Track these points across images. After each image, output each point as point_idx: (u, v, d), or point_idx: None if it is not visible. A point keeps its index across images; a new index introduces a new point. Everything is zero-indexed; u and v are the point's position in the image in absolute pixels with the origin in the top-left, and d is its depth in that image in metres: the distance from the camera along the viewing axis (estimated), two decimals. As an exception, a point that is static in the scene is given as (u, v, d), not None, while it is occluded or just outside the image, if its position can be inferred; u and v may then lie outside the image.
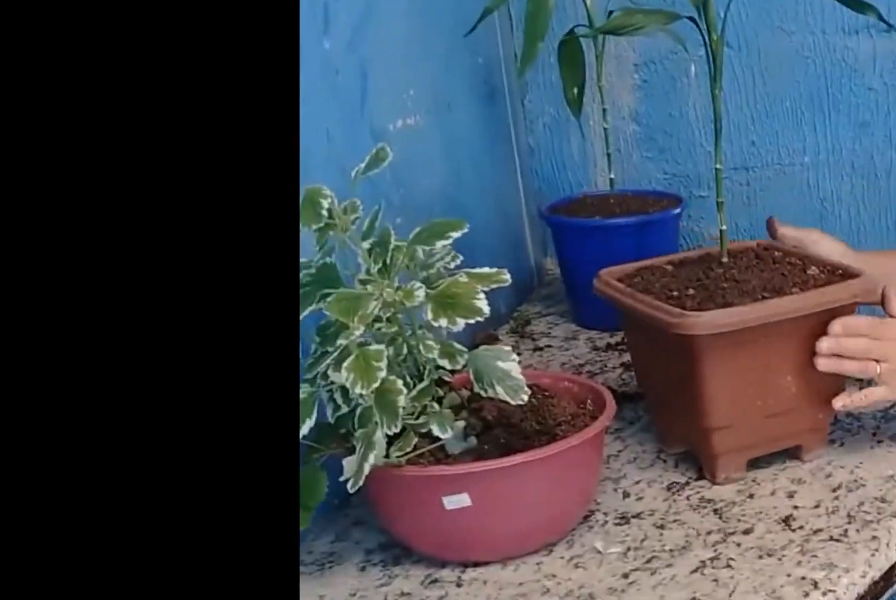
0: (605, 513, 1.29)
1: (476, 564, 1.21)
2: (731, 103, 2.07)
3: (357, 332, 1.06)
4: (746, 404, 1.30)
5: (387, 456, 1.13)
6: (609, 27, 1.31)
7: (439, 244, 1.12)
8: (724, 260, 1.37)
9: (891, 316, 1.31)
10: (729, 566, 1.16)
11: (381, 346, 1.07)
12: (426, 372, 1.16)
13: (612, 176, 1.95)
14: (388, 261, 1.11)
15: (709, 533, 1.23)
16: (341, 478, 1.10)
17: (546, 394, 1.30)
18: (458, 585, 1.18)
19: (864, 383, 1.33)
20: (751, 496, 1.29)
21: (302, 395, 1.10)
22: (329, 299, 1.08)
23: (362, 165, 1.15)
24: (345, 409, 1.14)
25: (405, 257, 1.11)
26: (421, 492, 1.15)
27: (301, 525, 1.07)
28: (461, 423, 1.19)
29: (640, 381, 1.47)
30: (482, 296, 1.09)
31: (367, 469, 1.08)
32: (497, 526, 1.17)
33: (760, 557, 1.17)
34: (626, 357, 1.68)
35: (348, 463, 1.11)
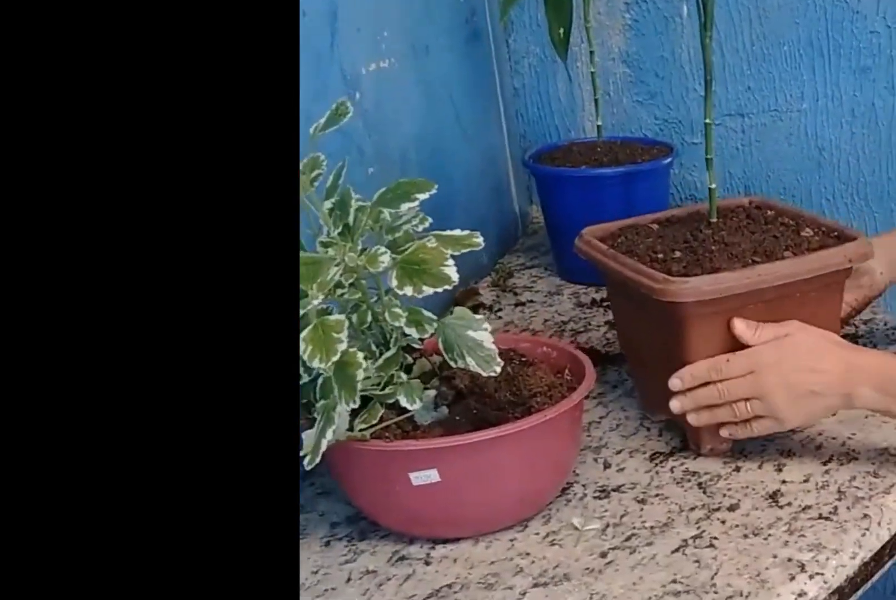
0: (584, 486, 1.22)
1: (446, 540, 1.15)
2: (726, 46, 1.99)
3: (315, 301, 0.99)
4: (731, 374, 1.22)
5: (351, 428, 1.06)
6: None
7: (405, 206, 1.04)
8: (713, 220, 1.30)
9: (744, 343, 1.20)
10: (712, 545, 1.10)
11: (342, 317, 1.00)
12: (393, 340, 1.09)
13: (600, 123, 1.87)
14: (350, 223, 1.03)
15: (692, 508, 1.16)
16: (301, 453, 1.03)
17: (523, 359, 1.23)
18: (427, 563, 1.12)
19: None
20: (737, 469, 1.23)
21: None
22: (287, 263, 1.00)
23: (321, 121, 1.07)
24: (306, 378, 1.07)
25: (369, 218, 1.04)
26: (387, 468, 1.09)
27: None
28: (431, 392, 1.13)
29: (623, 345, 1.40)
30: (451, 262, 1.01)
31: (324, 445, 1.02)
32: (468, 502, 1.11)
33: (745, 536, 1.11)
34: (612, 315, 1.60)
35: (307, 438, 1.04)
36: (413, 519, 1.13)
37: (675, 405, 1.22)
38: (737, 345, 1.20)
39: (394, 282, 1.00)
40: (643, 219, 1.37)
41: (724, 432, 1.22)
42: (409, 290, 1.00)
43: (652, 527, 1.13)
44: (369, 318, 1.08)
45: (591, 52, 1.83)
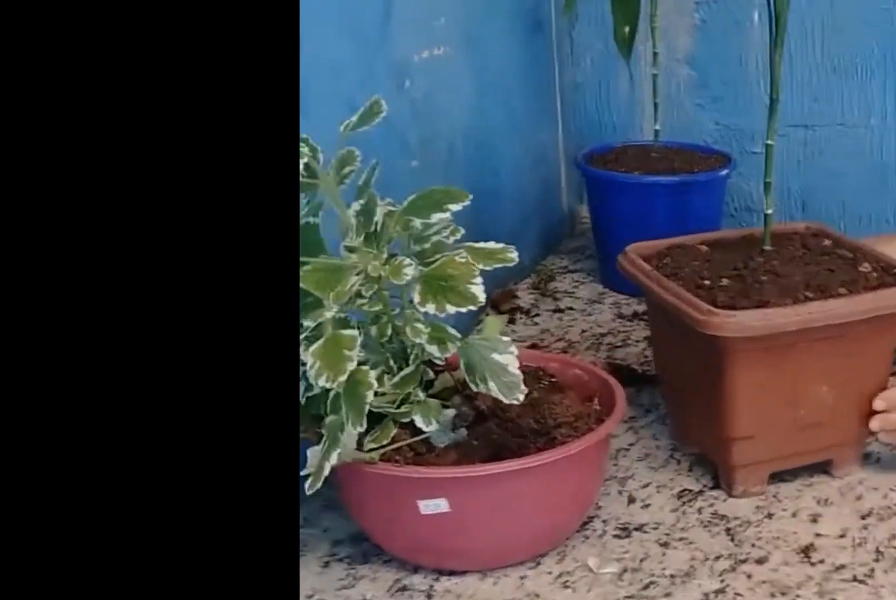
0: (605, 522, 1.15)
1: (452, 572, 1.07)
2: (795, 54, 1.90)
3: (328, 313, 0.92)
4: (775, 414, 1.15)
5: (360, 445, 1.00)
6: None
7: (436, 217, 0.97)
8: (767, 247, 1.21)
9: None
10: (735, 601, 1.02)
11: (355, 332, 0.93)
12: (413, 356, 1.02)
13: (658, 127, 1.78)
14: (376, 229, 0.96)
15: (717, 557, 1.09)
16: (302, 473, 0.96)
17: (553, 381, 1.16)
18: (429, 596, 1.05)
19: None
20: (769, 515, 1.15)
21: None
22: (305, 268, 0.93)
23: (353, 119, 1.00)
24: (316, 390, 1.00)
25: (397, 224, 0.96)
26: (393, 493, 1.02)
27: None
28: (451, 412, 1.06)
29: (659, 368, 1.32)
30: (479, 280, 0.94)
31: (327, 468, 0.95)
32: (478, 535, 1.04)
33: (773, 595, 1.03)
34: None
35: (311, 456, 0.97)
36: (418, 547, 1.06)
37: (875, 424, 1.18)
38: (783, 384, 1.13)
39: (416, 298, 0.93)
40: (692, 238, 1.29)
41: (873, 424, 1.19)
42: (431, 308, 0.93)
43: (672, 576, 1.06)
44: (389, 331, 1.01)
45: (655, 54, 1.75)
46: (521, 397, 0.98)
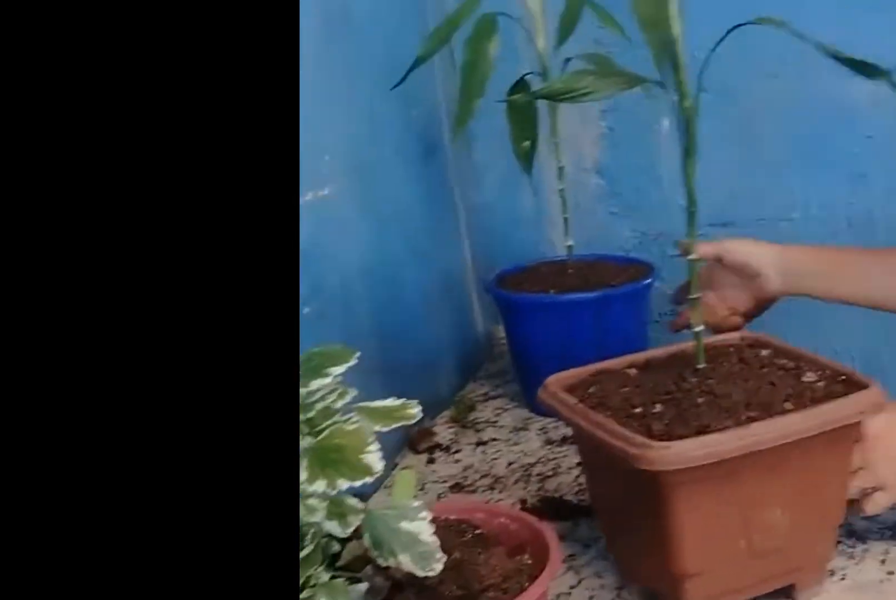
0: (552, 687, 1.02)
1: None
2: (710, 154, 1.81)
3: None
4: (725, 545, 1.04)
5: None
6: (548, 91, 1.04)
7: (316, 384, 0.85)
8: (700, 365, 1.11)
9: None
10: None
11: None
12: (311, 535, 0.89)
13: (570, 242, 1.68)
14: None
15: None
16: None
17: (477, 533, 1.03)
18: None
19: None
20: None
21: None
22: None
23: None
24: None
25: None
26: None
27: None
28: (362, 586, 0.92)
29: (594, 500, 1.21)
30: (374, 447, 0.82)
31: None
32: None
33: None
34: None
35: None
36: None
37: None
38: (732, 513, 1.02)
39: (304, 475, 0.81)
40: (618, 362, 1.18)
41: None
42: (320, 485, 0.81)
43: None
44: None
45: (561, 168, 1.65)
46: (438, 567, 0.85)
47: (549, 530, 1.01)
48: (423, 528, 0.86)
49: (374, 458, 0.82)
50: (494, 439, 1.60)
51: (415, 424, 1.58)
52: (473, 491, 1.43)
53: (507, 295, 1.65)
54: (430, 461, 1.54)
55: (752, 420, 1.01)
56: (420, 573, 0.85)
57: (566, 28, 1.36)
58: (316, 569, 0.88)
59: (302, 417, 0.87)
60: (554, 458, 1.51)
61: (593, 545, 1.25)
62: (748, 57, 1.74)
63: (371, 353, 1.45)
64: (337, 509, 0.86)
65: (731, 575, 1.06)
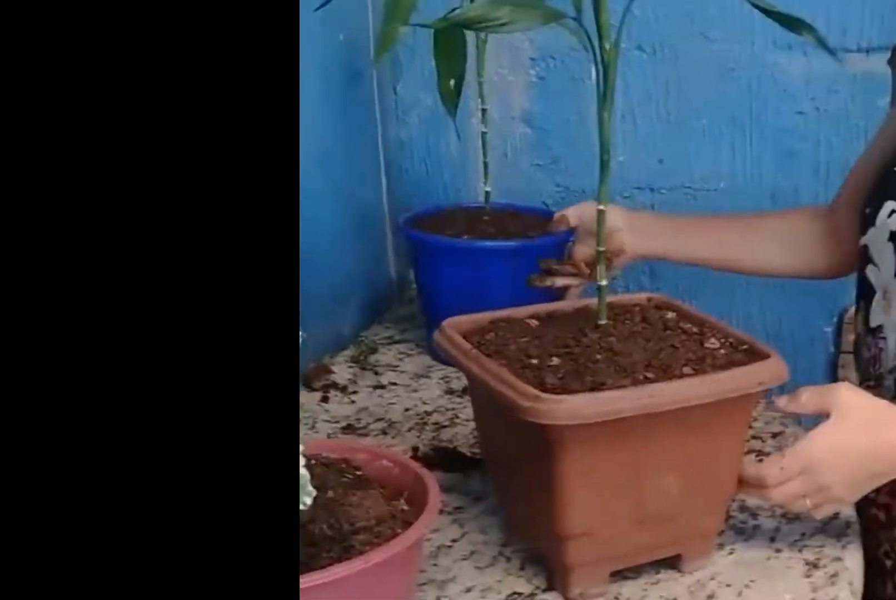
0: (418, 637, 0.99)
1: None
2: (639, 114, 1.80)
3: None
4: (613, 508, 1.02)
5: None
6: (463, 19, 0.99)
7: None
8: (602, 322, 1.08)
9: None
10: None
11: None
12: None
13: (489, 188, 1.65)
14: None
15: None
16: None
17: (358, 474, 1.00)
18: None
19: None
20: (606, 627, 1.01)
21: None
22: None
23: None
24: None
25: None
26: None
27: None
28: (230, 519, 0.89)
29: (485, 453, 1.19)
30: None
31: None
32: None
33: None
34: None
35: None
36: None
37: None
38: (622, 474, 1.00)
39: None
40: (521, 311, 1.15)
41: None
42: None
43: None
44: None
45: (484, 110, 1.61)
46: (308, 501, 0.82)
47: (430, 477, 0.98)
48: (294, 461, 0.82)
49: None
50: (394, 383, 1.57)
51: (312, 361, 1.56)
52: (366, 435, 1.40)
53: (417, 235, 1.61)
54: (324, 399, 1.50)
55: (649, 381, 0.99)
56: (289, 507, 0.82)
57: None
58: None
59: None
60: (452, 408, 1.48)
61: (483, 499, 1.22)
62: (686, 18, 1.72)
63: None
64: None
65: (616, 540, 1.04)
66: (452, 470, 1.28)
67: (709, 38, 1.74)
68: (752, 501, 1.20)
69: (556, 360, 1.02)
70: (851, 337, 1.51)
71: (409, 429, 1.41)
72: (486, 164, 1.63)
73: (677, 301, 1.18)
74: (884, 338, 1.27)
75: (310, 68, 1.56)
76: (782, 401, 1.09)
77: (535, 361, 1.02)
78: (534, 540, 1.10)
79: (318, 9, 1.29)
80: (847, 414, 1.07)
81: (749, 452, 1.29)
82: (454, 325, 1.11)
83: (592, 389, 0.97)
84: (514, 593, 1.06)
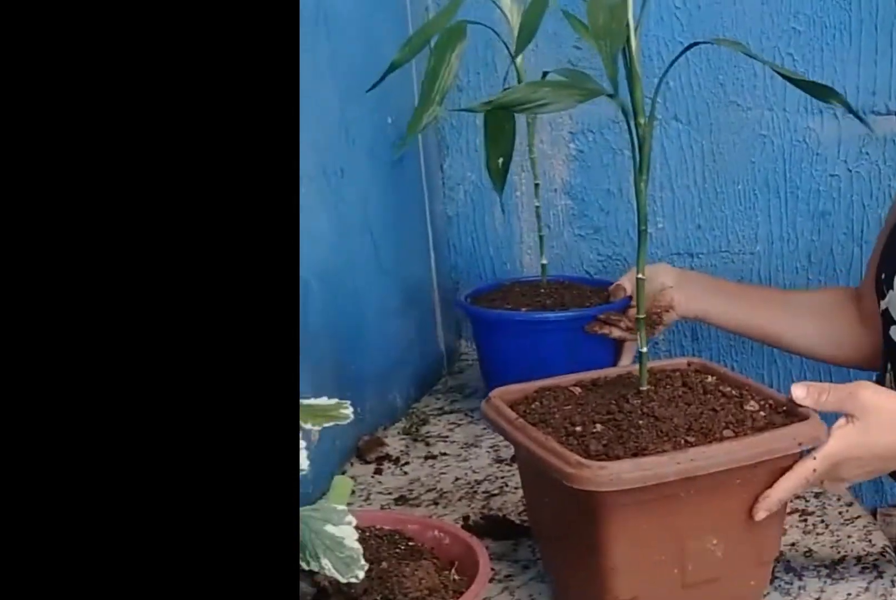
0: None
1: None
2: (676, 182, 1.84)
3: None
4: (658, 572, 1.03)
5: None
6: (505, 102, 1.03)
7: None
8: (644, 388, 1.11)
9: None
10: None
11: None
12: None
13: (545, 261, 1.68)
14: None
15: None
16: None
17: (410, 544, 1.03)
18: None
19: None
20: None
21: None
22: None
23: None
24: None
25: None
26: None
27: None
28: (287, 591, 0.92)
29: (532, 522, 1.20)
30: (301, 444, 0.82)
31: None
32: None
33: None
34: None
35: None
36: None
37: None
38: (667, 539, 1.01)
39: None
40: (565, 379, 1.18)
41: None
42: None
43: None
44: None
45: (537, 185, 1.65)
46: (361, 574, 0.85)
47: (480, 547, 1.00)
48: (347, 533, 0.85)
49: (300, 456, 0.81)
50: (444, 453, 1.60)
51: (365, 433, 1.59)
52: (418, 505, 1.42)
53: (479, 311, 1.64)
54: (378, 471, 1.53)
55: (690, 445, 1.01)
56: (342, 579, 0.85)
57: (524, 37, 1.34)
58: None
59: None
60: (502, 476, 1.50)
61: (532, 566, 1.24)
62: (718, 87, 1.75)
63: (324, 358, 1.44)
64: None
65: (662, 605, 1.05)
66: (502, 538, 1.30)
67: (741, 106, 1.77)
68: (797, 562, 1.21)
69: (599, 427, 1.05)
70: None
71: (460, 499, 1.43)
72: (541, 238, 1.66)
73: (716, 365, 1.20)
74: None
75: (361, 149, 1.61)
76: (800, 392, 1.09)
77: (578, 428, 1.05)
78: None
79: (368, 90, 1.34)
80: (869, 413, 1.08)
81: (792, 512, 1.31)
82: (501, 395, 1.14)
83: (635, 455, 0.99)
84: (567, 659, 1.08)
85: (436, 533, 1.05)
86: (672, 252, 1.88)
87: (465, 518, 1.36)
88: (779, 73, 1.00)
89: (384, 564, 0.97)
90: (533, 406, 1.12)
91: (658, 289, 1.54)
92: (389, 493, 1.45)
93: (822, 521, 1.30)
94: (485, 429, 1.66)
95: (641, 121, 1.03)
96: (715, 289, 1.57)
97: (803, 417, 1.06)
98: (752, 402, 1.10)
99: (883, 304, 1.32)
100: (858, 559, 1.22)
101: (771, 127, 1.76)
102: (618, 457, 0.99)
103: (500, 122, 1.56)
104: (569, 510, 1.04)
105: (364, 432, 1.60)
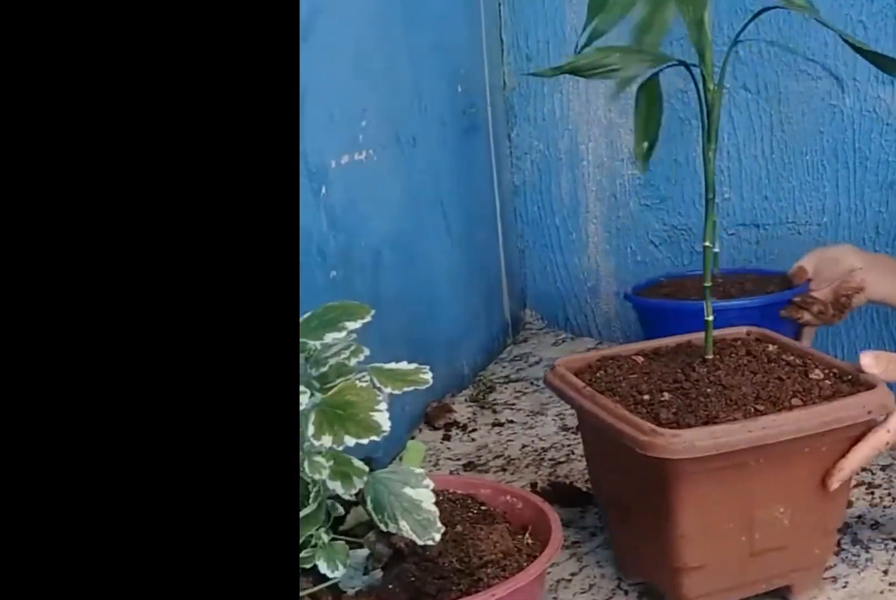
0: (542, 666, 1.03)
1: None
2: (744, 152, 1.83)
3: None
4: (727, 540, 1.04)
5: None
6: (574, 66, 1.04)
7: (329, 337, 0.86)
8: (709, 356, 1.12)
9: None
10: None
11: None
12: (314, 493, 0.90)
13: (717, 249, 1.60)
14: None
15: None
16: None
17: (483, 509, 1.05)
18: None
19: None
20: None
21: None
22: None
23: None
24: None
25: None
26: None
27: None
28: (363, 552, 0.94)
29: (597, 490, 1.22)
30: (383, 406, 0.84)
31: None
32: None
33: None
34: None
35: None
36: None
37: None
38: (735, 507, 1.02)
39: (311, 430, 0.82)
40: (626, 349, 1.19)
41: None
42: (327, 441, 0.82)
43: None
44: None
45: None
46: (437, 537, 0.87)
47: (552, 512, 1.02)
48: (425, 496, 0.87)
49: (382, 417, 0.83)
50: (511, 421, 1.62)
51: (434, 400, 1.61)
52: (486, 471, 1.44)
53: (658, 303, 1.60)
54: (446, 438, 1.56)
55: (760, 413, 1.02)
56: (419, 541, 0.86)
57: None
58: (317, 530, 0.90)
59: (314, 372, 0.88)
60: (568, 444, 1.52)
61: (599, 534, 1.26)
62: (788, 56, 1.75)
63: (395, 324, 1.46)
64: (342, 469, 0.87)
65: (729, 572, 1.06)
66: (569, 505, 1.32)
67: (811, 75, 1.77)
68: (864, 533, 1.22)
69: (667, 395, 1.06)
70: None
71: (527, 465, 1.45)
72: (714, 224, 1.62)
73: (776, 333, 1.21)
74: None
75: (432, 118, 1.63)
76: (868, 360, 1.09)
77: (646, 397, 1.06)
78: (649, 574, 1.12)
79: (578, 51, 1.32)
80: None
81: (858, 484, 1.32)
82: (565, 364, 1.15)
83: (706, 423, 1.01)
84: (632, 625, 1.09)
85: (508, 498, 1.07)
86: (738, 222, 1.88)
87: (533, 484, 1.38)
88: (847, 41, 1.01)
89: (459, 527, 0.98)
90: (598, 374, 1.13)
91: (847, 270, 1.53)
92: (458, 459, 1.47)
93: (889, 494, 1.31)
94: (550, 397, 1.67)
95: (711, 87, 1.03)
96: None
97: (870, 386, 1.07)
98: (817, 371, 1.10)
99: None
100: (926, 531, 1.22)
101: (840, 97, 1.75)
102: (689, 426, 1.00)
103: (651, 101, 1.54)
104: (638, 478, 1.05)
105: (433, 399, 1.62)
